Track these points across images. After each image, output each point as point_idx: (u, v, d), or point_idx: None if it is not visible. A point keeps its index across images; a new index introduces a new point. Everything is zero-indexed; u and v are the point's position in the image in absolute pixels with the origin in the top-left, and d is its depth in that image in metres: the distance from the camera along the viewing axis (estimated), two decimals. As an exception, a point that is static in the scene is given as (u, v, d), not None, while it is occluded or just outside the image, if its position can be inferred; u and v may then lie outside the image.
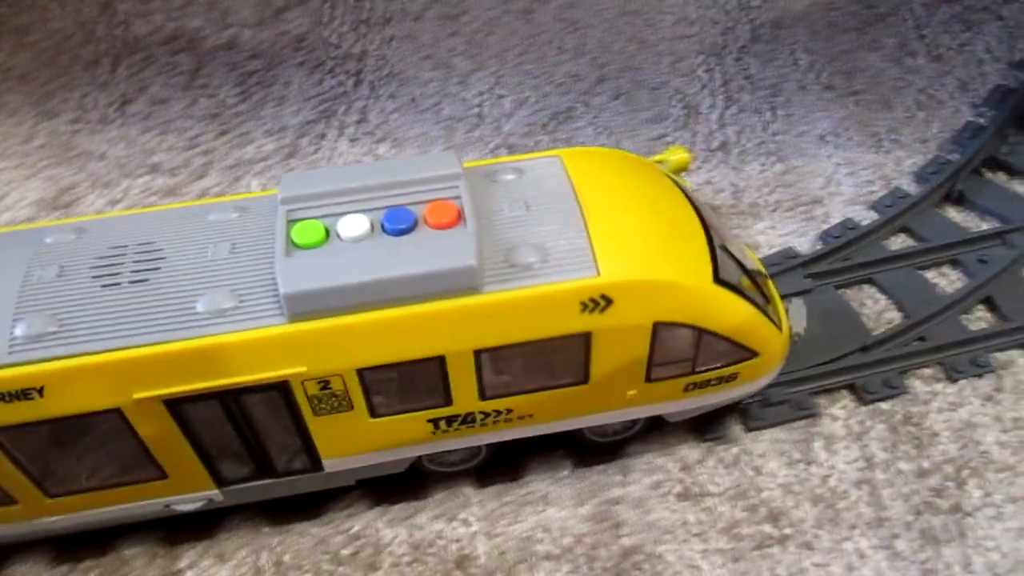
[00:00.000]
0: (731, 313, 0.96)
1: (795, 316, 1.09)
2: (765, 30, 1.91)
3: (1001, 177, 1.49)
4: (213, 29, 2.00)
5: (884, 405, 1.16)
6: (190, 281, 0.88)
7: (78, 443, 0.90)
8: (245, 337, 0.84)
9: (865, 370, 1.18)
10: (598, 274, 0.88)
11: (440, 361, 0.90)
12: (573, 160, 1.01)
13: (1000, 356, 1.20)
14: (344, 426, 0.95)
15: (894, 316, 1.28)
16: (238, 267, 0.89)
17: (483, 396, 0.96)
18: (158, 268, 0.89)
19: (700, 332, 0.95)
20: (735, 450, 1.12)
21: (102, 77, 1.90)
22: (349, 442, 0.98)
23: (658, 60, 1.84)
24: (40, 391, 0.83)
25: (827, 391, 1.17)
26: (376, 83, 1.84)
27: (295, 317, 0.84)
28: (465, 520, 1.07)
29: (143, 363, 0.83)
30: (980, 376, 1.18)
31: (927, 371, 1.19)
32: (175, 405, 0.87)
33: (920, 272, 1.33)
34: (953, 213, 1.44)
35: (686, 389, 1.02)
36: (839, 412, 1.16)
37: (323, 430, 0.95)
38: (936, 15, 1.90)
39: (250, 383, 0.87)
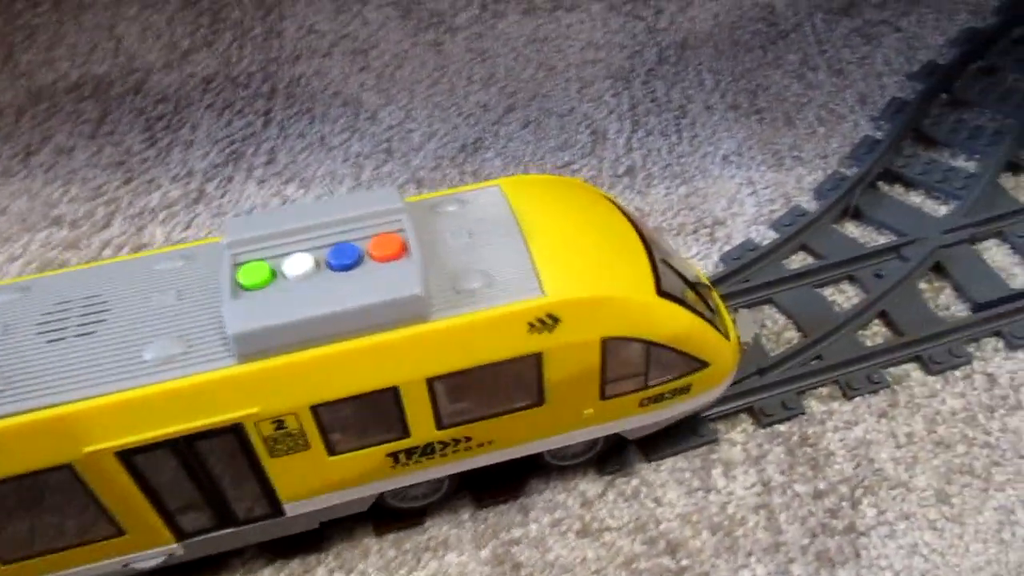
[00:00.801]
0: (676, 324, 0.97)
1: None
2: (672, 52, 1.93)
3: (898, 190, 1.51)
4: (119, 74, 1.98)
5: (781, 427, 1.16)
6: (137, 330, 0.87)
7: (30, 504, 0.87)
8: (195, 381, 0.83)
9: (763, 392, 1.19)
10: (543, 294, 0.89)
11: (394, 392, 0.90)
12: (512, 188, 1.03)
13: (895, 371, 1.21)
14: (302, 466, 0.93)
15: (793, 335, 1.29)
16: (185, 313, 0.88)
17: (440, 425, 0.95)
18: (104, 320, 0.88)
19: (648, 345, 0.96)
20: (635, 482, 1.12)
21: (5, 128, 1.87)
22: (309, 483, 0.96)
23: (567, 86, 1.85)
24: None
25: (726, 416, 1.18)
26: (285, 122, 1.83)
27: (244, 358, 0.84)
28: (363, 572, 1.05)
29: (92, 415, 0.81)
30: (875, 392, 1.19)
31: (824, 390, 1.20)
32: (128, 456, 0.85)
33: (818, 290, 1.34)
34: (851, 228, 1.46)
35: (642, 404, 1.03)
36: (738, 436, 1.16)
37: (281, 472, 0.93)
38: (837, 29, 1.93)
39: (203, 428, 0.85)
